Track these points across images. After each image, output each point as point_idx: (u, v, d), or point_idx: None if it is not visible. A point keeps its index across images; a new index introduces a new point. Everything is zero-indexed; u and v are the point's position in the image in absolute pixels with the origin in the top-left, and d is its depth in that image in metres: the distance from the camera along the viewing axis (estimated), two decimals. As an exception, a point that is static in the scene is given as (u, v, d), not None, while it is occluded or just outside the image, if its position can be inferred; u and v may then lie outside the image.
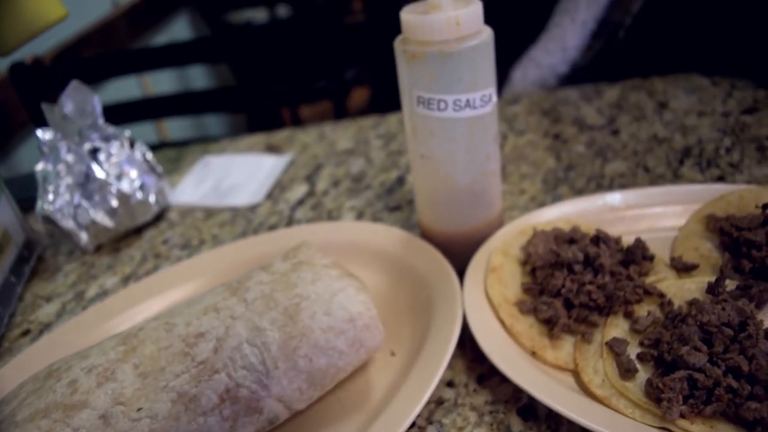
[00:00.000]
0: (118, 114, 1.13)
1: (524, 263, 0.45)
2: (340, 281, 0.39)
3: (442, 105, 0.41)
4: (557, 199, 0.56)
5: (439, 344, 0.39)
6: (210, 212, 0.66)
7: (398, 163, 0.68)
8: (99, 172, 0.60)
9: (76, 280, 0.58)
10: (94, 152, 0.61)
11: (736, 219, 0.43)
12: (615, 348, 0.37)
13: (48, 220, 0.59)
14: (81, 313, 0.49)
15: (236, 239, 0.60)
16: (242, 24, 2.15)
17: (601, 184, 0.57)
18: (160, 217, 0.66)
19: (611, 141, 0.63)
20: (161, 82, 1.66)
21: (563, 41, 0.82)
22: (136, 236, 0.64)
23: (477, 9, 0.40)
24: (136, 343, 0.36)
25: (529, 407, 0.37)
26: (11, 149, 1.13)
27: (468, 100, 0.41)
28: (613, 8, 0.79)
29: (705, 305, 0.36)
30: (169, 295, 0.50)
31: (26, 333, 0.53)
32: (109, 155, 0.61)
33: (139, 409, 0.33)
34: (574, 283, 0.41)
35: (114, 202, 0.60)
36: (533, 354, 0.39)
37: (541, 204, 0.56)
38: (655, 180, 0.56)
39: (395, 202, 0.61)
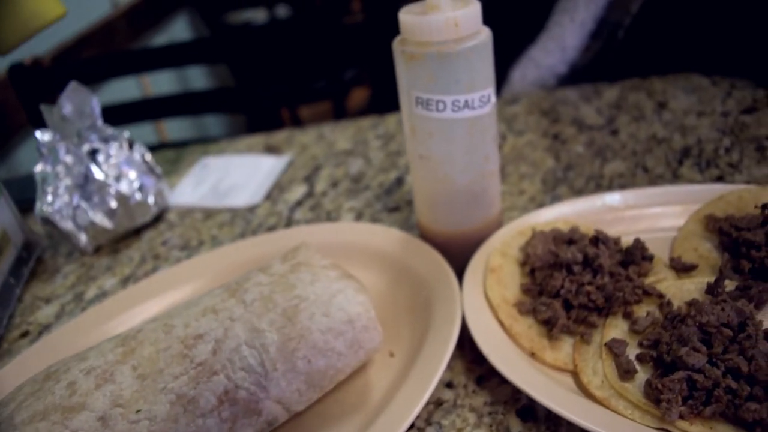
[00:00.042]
0: (118, 114, 1.13)
1: (523, 264, 0.45)
2: (338, 282, 0.39)
3: (441, 106, 0.41)
4: (556, 199, 0.56)
5: (438, 345, 0.39)
6: (209, 213, 0.66)
7: (397, 163, 0.68)
8: (98, 174, 0.60)
9: (75, 282, 0.58)
10: (92, 153, 0.61)
11: (735, 219, 0.43)
12: (614, 349, 0.37)
13: (47, 221, 0.59)
14: (80, 315, 0.49)
15: (235, 240, 0.60)
16: (241, 24, 2.15)
17: (600, 184, 0.57)
18: (159, 218, 0.66)
19: (610, 141, 0.63)
20: (160, 83, 1.66)
21: (562, 41, 0.82)
22: (135, 237, 0.64)
23: (475, 9, 0.40)
24: (135, 345, 0.36)
25: (528, 408, 0.37)
26: (10, 150, 1.13)
27: (466, 101, 0.41)
28: (612, 8, 0.79)
29: (704, 306, 0.36)
30: (168, 296, 0.50)
31: (25, 334, 0.53)
32: (108, 156, 0.61)
33: (137, 411, 0.33)
34: (573, 284, 0.41)
35: (113, 204, 0.60)
36: (532, 355, 0.39)
37: (540, 204, 0.56)
38: (654, 180, 0.56)
39: (394, 203, 0.61)
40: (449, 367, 0.41)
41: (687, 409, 0.32)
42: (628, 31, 0.77)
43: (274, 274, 0.40)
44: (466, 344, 0.41)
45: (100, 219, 0.60)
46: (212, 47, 1.16)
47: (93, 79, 1.16)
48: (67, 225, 0.59)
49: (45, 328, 0.53)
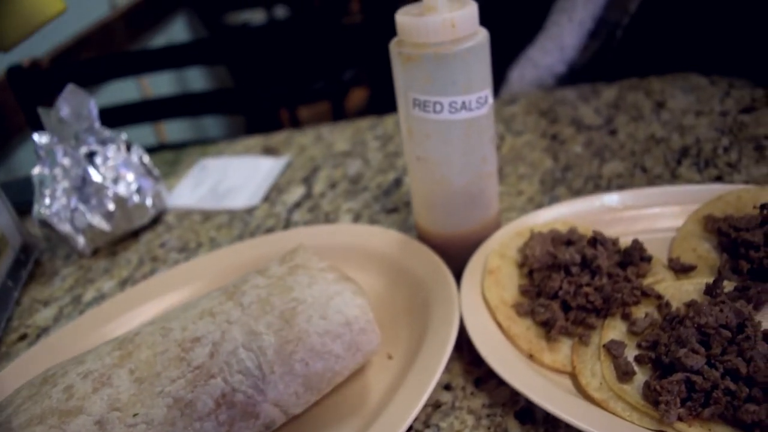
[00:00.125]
0: (117, 116, 1.13)
1: (521, 265, 0.45)
2: (336, 285, 0.39)
3: (438, 107, 0.41)
4: (555, 199, 0.56)
5: (436, 347, 0.39)
6: (207, 215, 0.66)
7: (395, 164, 0.68)
8: (95, 176, 0.60)
9: (73, 284, 0.58)
10: (90, 156, 0.61)
11: (734, 219, 0.43)
12: (612, 350, 0.36)
13: (45, 224, 0.59)
14: (78, 318, 0.49)
15: (233, 242, 0.60)
16: (240, 25, 2.15)
17: (598, 184, 0.57)
18: (157, 220, 0.66)
19: (609, 141, 0.63)
20: (159, 84, 1.66)
21: (561, 40, 0.82)
22: (133, 239, 0.64)
23: (472, 10, 0.40)
24: (132, 348, 0.36)
25: (526, 410, 0.37)
26: (9, 153, 1.13)
27: (464, 102, 0.41)
28: (611, 7, 0.79)
29: (703, 307, 0.36)
30: (167, 299, 0.50)
31: (23, 337, 0.53)
32: (105, 159, 0.61)
33: (134, 415, 0.33)
34: (572, 285, 0.41)
35: (111, 206, 0.60)
36: (530, 357, 0.39)
37: (539, 205, 0.56)
38: (652, 180, 0.56)
39: (392, 204, 0.61)
40: (447, 369, 0.41)
41: (686, 411, 0.32)
42: (626, 31, 0.77)
43: (272, 277, 0.40)
44: (465, 346, 0.41)
45: (98, 221, 0.60)
46: (211, 48, 1.16)
47: (92, 80, 1.16)
48: (65, 227, 0.59)
49: (43, 331, 0.53)
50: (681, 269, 0.42)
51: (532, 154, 0.64)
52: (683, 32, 0.74)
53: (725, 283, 0.38)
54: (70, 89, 0.59)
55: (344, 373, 0.38)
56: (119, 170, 0.62)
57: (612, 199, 0.49)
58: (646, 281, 0.41)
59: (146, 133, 1.58)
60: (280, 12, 2.18)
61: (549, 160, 0.62)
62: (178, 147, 0.84)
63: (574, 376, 0.37)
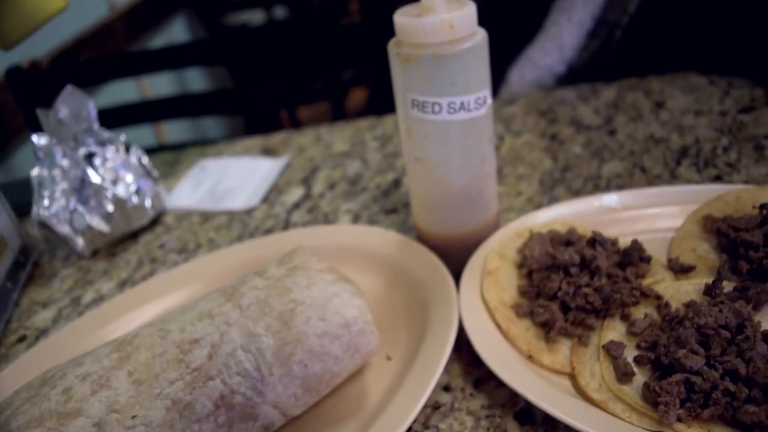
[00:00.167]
0: (117, 117, 1.13)
1: (520, 266, 0.45)
2: (334, 286, 0.39)
3: (437, 108, 0.41)
4: (554, 200, 0.56)
5: (435, 348, 0.39)
6: (206, 216, 0.66)
7: (394, 165, 0.68)
8: (94, 177, 0.60)
9: (72, 286, 0.58)
10: (89, 157, 0.61)
11: (733, 220, 0.43)
12: (612, 351, 0.36)
13: (44, 225, 0.59)
14: (77, 319, 0.49)
15: (232, 243, 0.60)
16: (239, 26, 2.15)
17: (598, 184, 0.57)
18: (156, 221, 0.66)
19: (608, 141, 0.63)
20: (159, 85, 1.66)
21: (560, 40, 0.82)
22: (132, 241, 0.64)
23: (470, 11, 0.40)
24: (131, 350, 0.36)
25: (525, 411, 0.37)
26: (8, 154, 1.13)
27: (462, 103, 0.41)
28: (610, 7, 0.79)
29: (702, 307, 0.36)
30: (165, 300, 0.50)
31: (22, 339, 0.53)
32: (104, 160, 0.61)
33: (133, 417, 0.33)
34: (571, 286, 0.40)
35: (110, 207, 0.60)
36: (530, 358, 0.39)
37: (538, 205, 0.56)
38: (652, 180, 0.56)
39: (391, 205, 0.61)
40: (446, 370, 0.41)
41: (685, 412, 0.32)
42: (625, 31, 0.77)
43: (270, 278, 0.40)
44: (464, 347, 0.41)
45: (97, 223, 0.60)
46: (210, 49, 1.16)
47: (91, 81, 1.16)
48: (64, 229, 0.59)
49: (42, 333, 0.53)
50: (680, 269, 0.42)
51: (531, 154, 0.64)
52: (682, 32, 0.74)
53: (724, 283, 0.38)
54: (69, 90, 0.59)
55: (343, 375, 0.38)
56: (118, 171, 0.62)
57: (611, 199, 0.49)
58: (646, 282, 0.41)
59: (146, 133, 1.58)
60: (280, 12, 2.18)
61: (548, 160, 0.62)
62: (178, 148, 0.84)
63: (573, 377, 0.37)
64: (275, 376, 0.35)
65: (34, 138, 0.59)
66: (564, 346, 0.39)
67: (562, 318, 0.40)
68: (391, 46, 0.42)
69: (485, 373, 0.39)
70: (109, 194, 0.60)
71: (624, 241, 0.44)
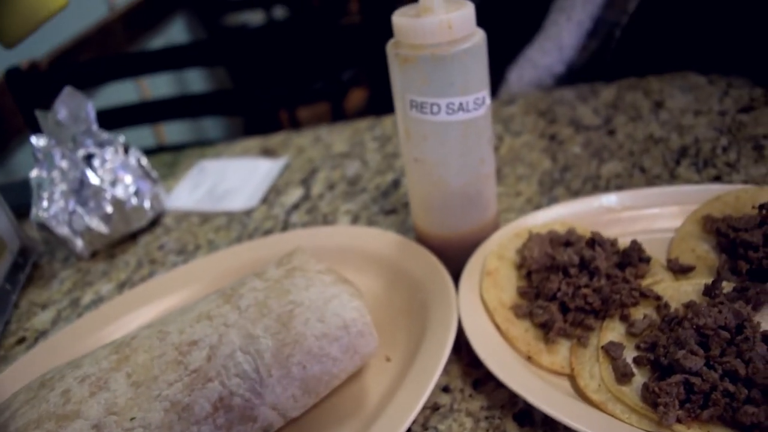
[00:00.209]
0: (116, 118, 1.13)
1: (520, 267, 0.44)
2: (333, 287, 0.39)
3: (435, 109, 0.41)
4: (553, 200, 0.56)
5: (434, 349, 0.39)
6: (205, 217, 0.66)
7: (394, 165, 0.68)
8: (93, 179, 0.60)
9: (71, 287, 0.58)
10: (88, 158, 0.61)
11: (732, 220, 0.43)
12: (611, 352, 0.36)
13: (43, 226, 0.59)
14: (76, 321, 0.49)
15: (232, 244, 0.60)
16: (239, 26, 2.15)
17: (597, 185, 0.57)
18: (155, 222, 0.66)
19: (607, 141, 0.63)
20: (158, 86, 1.66)
21: (559, 40, 0.82)
22: (131, 242, 0.64)
23: (469, 12, 0.40)
24: (129, 352, 0.36)
25: (525, 412, 0.37)
26: (7, 155, 1.13)
27: (461, 104, 0.41)
28: (609, 7, 0.79)
29: (701, 308, 0.35)
30: (165, 301, 0.50)
31: (22, 341, 0.52)
32: (103, 161, 0.61)
33: (132, 419, 0.33)
34: (570, 287, 0.40)
35: (109, 208, 0.60)
36: (529, 359, 0.39)
37: (537, 206, 0.56)
38: (651, 180, 0.56)
39: (391, 205, 0.61)
40: (446, 371, 0.41)
41: (684, 413, 0.32)
42: (625, 31, 0.77)
43: (269, 280, 0.40)
44: (463, 348, 0.41)
45: (96, 224, 0.60)
46: (210, 49, 1.16)
47: (91, 82, 1.16)
48: (63, 230, 0.59)
49: (41, 334, 0.53)
50: (680, 270, 0.42)
51: (531, 154, 0.64)
52: (682, 31, 0.74)
53: (724, 283, 0.38)
54: (68, 92, 0.59)
55: (342, 376, 0.38)
56: (117, 173, 0.62)
57: (610, 199, 0.49)
58: (645, 282, 0.41)
59: (145, 134, 1.58)
60: (279, 13, 2.17)
61: (547, 160, 0.62)
62: (177, 149, 0.84)
63: (572, 378, 0.37)
64: (274, 378, 0.35)
65: (33, 139, 0.59)
66: (563, 347, 0.39)
67: (562, 319, 0.40)
68: (390, 47, 0.42)
69: (484, 374, 0.39)
70: (108, 195, 0.60)
71: (623, 242, 0.44)
